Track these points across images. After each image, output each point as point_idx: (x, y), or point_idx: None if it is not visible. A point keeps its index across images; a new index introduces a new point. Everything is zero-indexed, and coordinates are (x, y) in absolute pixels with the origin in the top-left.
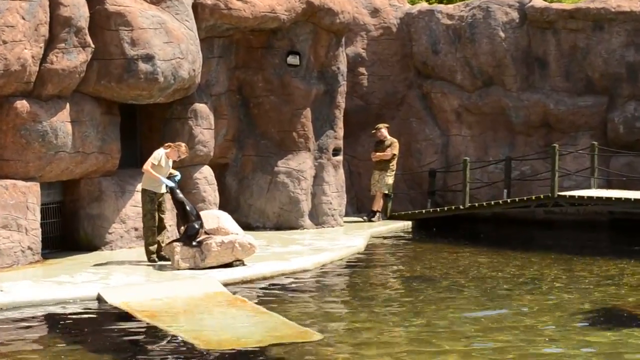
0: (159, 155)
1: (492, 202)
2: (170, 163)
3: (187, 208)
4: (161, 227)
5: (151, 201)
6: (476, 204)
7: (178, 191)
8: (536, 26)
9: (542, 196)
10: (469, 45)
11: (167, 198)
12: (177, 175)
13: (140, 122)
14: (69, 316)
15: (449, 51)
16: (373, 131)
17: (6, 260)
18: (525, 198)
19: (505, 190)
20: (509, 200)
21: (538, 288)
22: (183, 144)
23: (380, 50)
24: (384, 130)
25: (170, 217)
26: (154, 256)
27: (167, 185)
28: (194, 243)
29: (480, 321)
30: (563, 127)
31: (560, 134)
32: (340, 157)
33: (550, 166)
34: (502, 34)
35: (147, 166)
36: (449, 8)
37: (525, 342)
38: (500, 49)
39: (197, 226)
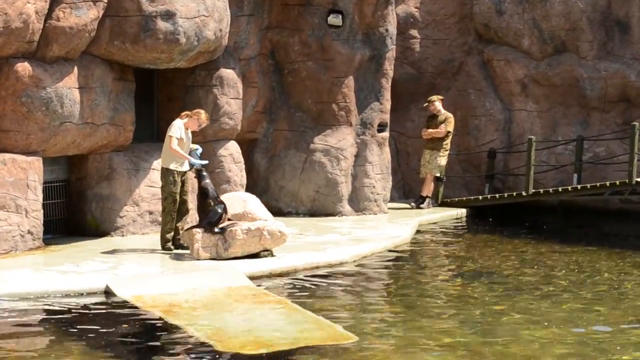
0: (178, 127)
1: (560, 189)
2: (190, 135)
3: (209, 190)
4: (182, 211)
5: (174, 182)
6: (541, 191)
7: (205, 174)
8: None
9: (617, 182)
10: (538, 4)
11: (190, 177)
12: (198, 148)
13: (158, 90)
14: (73, 310)
15: (515, 12)
16: (425, 104)
17: (3, 245)
18: (598, 184)
19: (576, 175)
20: (579, 187)
21: (613, 289)
22: (202, 111)
23: (435, 9)
24: (437, 104)
25: (191, 199)
26: (170, 244)
27: (194, 165)
28: (216, 230)
29: (543, 329)
30: None
31: None
32: (386, 134)
33: (628, 148)
34: None
35: (173, 145)
36: None
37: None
38: (575, 9)
39: (219, 210)
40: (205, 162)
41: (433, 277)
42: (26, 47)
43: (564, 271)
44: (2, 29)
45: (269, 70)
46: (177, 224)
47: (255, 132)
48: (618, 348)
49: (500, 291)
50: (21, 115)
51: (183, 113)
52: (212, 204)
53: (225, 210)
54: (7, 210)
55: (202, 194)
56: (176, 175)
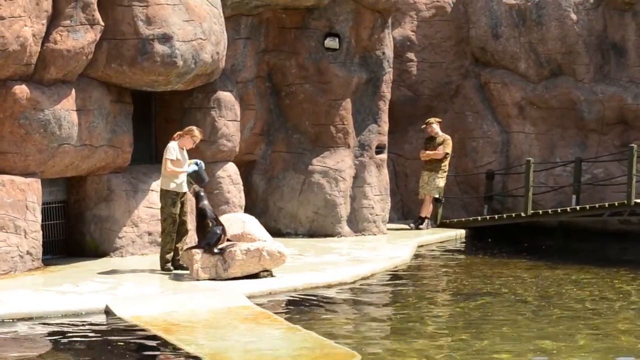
0: (173, 149)
1: (559, 210)
2: (186, 154)
3: (207, 212)
4: (182, 232)
5: (173, 204)
6: (540, 212)
7: (203, 195)
8: (613, 7)
9: (616, 203)
10: (534, 28)
11: (190, 199)
12: (199, 162)
13: (156, 112)
14: (73, 331)
15: (511, 35)
16: (423, 126)
17: (2, 266)
18: (597, 205)
19: (574, 196)
20: (578, 208)
21: (608, 310)
22: (194, 127)
23: (431, 33)
24: (435, 126)
25: (191, 219)
26: (169, 265)
27: (192, 183)
28: (215, 250)
29: (544, 348)
30: None
31: (638, 133)
32: (384, 156)
33: (626, 169)
34: (573, 16)
35: (169, 167)
36: None
37: None
38: (571, 33)
39: (218, 231)
40: (194, 167)
41: (432, 297)
42: (24, 69)
43: (563, 291)
44: None
45: (266, 93)
46: (177, 245)
47: (253, 154)
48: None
49: (500, 312)
50: (19, 137)
51: (175, 134)
52: (211, 224)
53: (224, 231)
54: (6, 231)
55: (201, 214)
56: (175, 196)
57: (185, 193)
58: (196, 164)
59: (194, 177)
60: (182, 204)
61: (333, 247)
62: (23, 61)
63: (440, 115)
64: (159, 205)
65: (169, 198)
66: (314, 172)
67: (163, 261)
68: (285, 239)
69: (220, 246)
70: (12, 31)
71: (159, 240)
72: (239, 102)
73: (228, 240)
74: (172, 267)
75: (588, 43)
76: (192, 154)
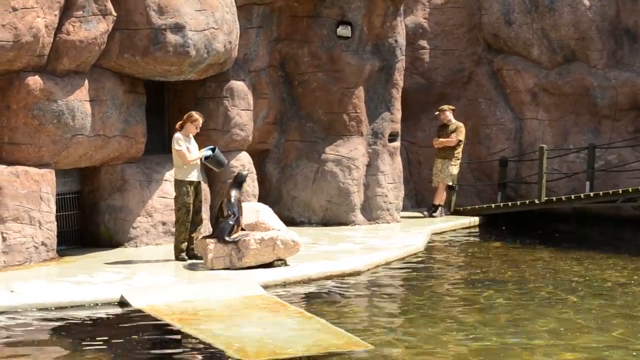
0: (179, 139)
1: (572, 196)
2: (194, 142)
3: (230, 200)
4: (196, 221)
5: (187, 193)
6: (554, 198)
7: (242, 181)
8: None
9: (630, 189)
10: (547, 14)
11: (203, 188)
12: (214, 147)
13: (169, 102)
14: (88, 321)
15: (524, 22)
16: (436, 113)
17: (17, 257)
18: (610, 192)
19: (588, 183)
20: (591, 194)
21: (623, 296)
22: (193, 112)
23: (444, 20)
24: (448, 113)
25: (205, 209)
26: (184, 254)
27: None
28: (228, 239)
29: (558, 333)
30: None
31: None
32: (397, 143)
33: None
34: (586, 2)
35: (189, 157)
36: None
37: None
38: (584, 19)
39: (231, 222)
40: (211, 152)
41: (447, 285)
42: (37, 60)
43: (577, 278)
44: (12, 43)
45: (279, 82)
46: (191, 234)
47: (266, 143)
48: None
49: (514, 299)
50: (33, 128)
51: (177, 124)
52: (226, 213)
53: (238, 221)
54: (21, 222)
55: (224, 201)
56: (189, 186)
57: (199, 182)
58: (211, 149)
59: (213, 163)
60: (196, 193)
61: (347, 236)
62: (36, 52)
63: (453, 103)
64: (173, 195)
65: (183, 187)
66: (327, 160)
67: (177, 250)
68: (299, 227)
69: (233, 236)
70: (24, 22)
71: (173, 230)
72: (252, 91)
73: (242, 229)
74: (186, 257)
75: (601, 29)
76: (207, 143)
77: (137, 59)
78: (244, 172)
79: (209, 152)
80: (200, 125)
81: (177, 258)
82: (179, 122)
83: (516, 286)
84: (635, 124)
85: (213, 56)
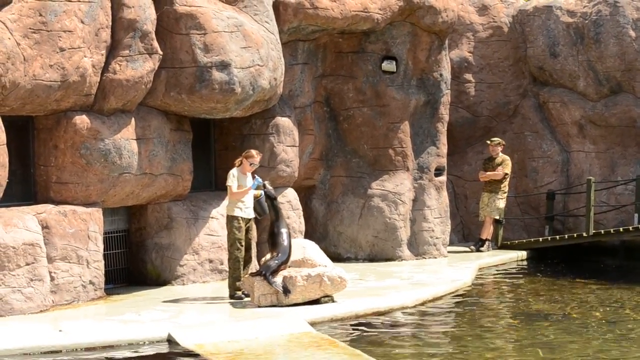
0: (233, 175)
1: (621, 229)
2: (249, 178)
3: (282, 230)
4: (245, 260)
5: (238, 229)
6: (602, 231)
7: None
8: None
9: None
10: (593, 46)
11: (254, 227)
12: (260, 181)
13: (215, 139)
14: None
15: (569, 54)
16: (487, 141)
17: (65, 296)
18: None
19: (637, 215)
20: None
21: None
22: (251, 150)
23: (489, 53)
24: (498, 147)
25: (254, 247)
26: (241, 293)
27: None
28: (273, 280)
29: None
30: None
31: None
32: (443, 178)
33: None
34: (632, 33)
35: (234, 190)
36: (570, 4)
37: None
38: (629, 50)
39: (277, 261)
40: (259, 182)
41: (496, 320)
42: (84, 100)
43: (627, 311)
44: (60, 82)
45: (324, 117)
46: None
47: (312, 179)
48: None
49: (565, 334)
50: (80, 167)
51: (236, 160)
52: (275, 253)
53: (285, 261)
54: (69, 262)
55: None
56: (241, 221)
57: (250, 220)
58: (260, 185)
59: (258, 208)
60: (247, 230)
61: (394, 271)
62: (83, 92)
63: (500, 136)
64: (220, 232)
65: (234, 222)
66: (373, 195)
67: (233, 289)
68: (346, 263)
69: (276, 279)
70: (72, 62)
71: (220, 267)
72: (297, 127)
73: (289, 267)
74: (243, 295)
75: None
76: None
77: (183, 97)
78: (268, 187)
79: (258, 182)
80: (256, 163)
81: (233, 297)
82: (238, 159)
83: (567, 320)
84: None
85: (258, 93)
